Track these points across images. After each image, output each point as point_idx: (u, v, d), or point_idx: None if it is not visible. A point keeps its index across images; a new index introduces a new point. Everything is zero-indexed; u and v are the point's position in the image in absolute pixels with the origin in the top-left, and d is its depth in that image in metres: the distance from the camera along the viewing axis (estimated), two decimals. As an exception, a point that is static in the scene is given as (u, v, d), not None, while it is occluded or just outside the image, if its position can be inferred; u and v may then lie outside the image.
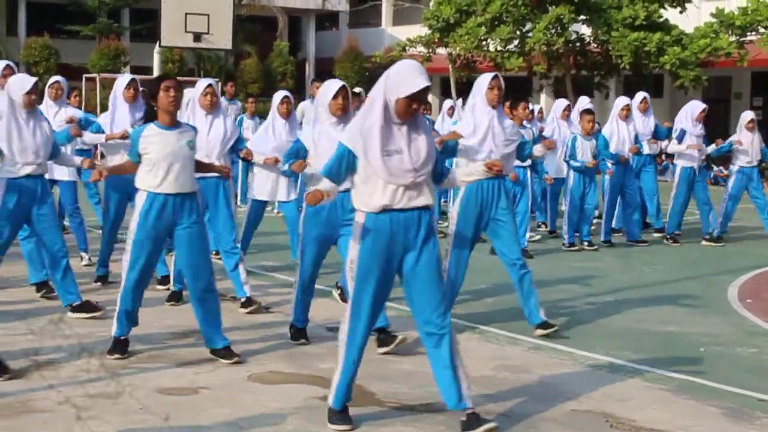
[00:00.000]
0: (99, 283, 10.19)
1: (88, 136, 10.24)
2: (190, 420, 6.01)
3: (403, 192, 5.66)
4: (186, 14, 26.46)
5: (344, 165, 5.71)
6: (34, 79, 8.52)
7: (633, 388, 6.93)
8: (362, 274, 5.79)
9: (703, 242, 14.70)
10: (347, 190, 6.07)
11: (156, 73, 27.65)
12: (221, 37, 27.36)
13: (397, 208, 5.68)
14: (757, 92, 33.23)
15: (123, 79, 10.37)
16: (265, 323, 8.70)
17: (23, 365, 6.98)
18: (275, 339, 8.11)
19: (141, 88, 10.30)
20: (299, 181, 12.72)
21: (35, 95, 8.48)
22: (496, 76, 8.44)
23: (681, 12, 28.90)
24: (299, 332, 8.05)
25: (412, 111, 5.61)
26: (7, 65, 9.55)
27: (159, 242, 7.39)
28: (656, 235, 15.02)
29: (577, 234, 13.85)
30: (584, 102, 15.72)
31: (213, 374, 7.02)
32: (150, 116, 7.39)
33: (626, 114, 14.24)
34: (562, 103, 15.00)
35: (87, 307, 8.71)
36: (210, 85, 9.29)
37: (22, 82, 8.45)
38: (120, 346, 7.45)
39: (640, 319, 9.25)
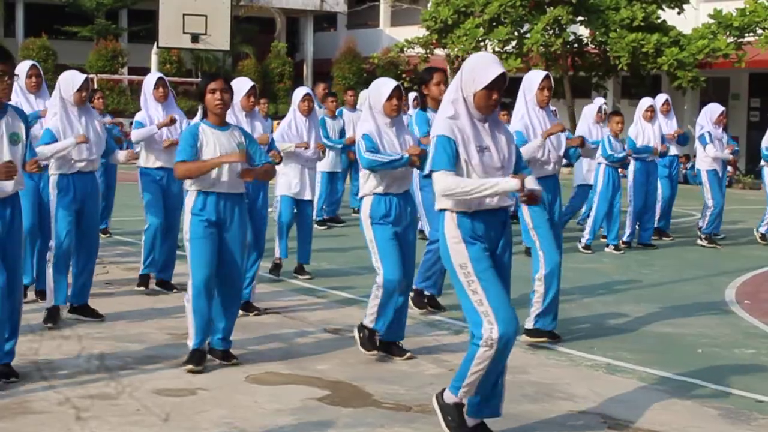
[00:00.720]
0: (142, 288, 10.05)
1: (136, 133, 9.90)
2: (187, 421, 6.01)
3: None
4: (184, 15, 26.48)
5: (454, 154, 5.41)
6: (84, 75, 8.46)
7: (630, 390, 6.93)
8: (481, 271, 5.49)
9: (699, 241, 14.69)
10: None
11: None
12: (219, 38, 27.39)
13: (488, 209, 5.53)
14: (755, 93, 33.19)
15: (151, 79, 10.23)
16: (262, 324, 8.69)
17: (23, 365, 6.97)
18: (272, 340, 8.10)
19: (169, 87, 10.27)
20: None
21: (86, 92, 8.46)
22: (547, 76, 8.23)
23: (679, 13, 28.90)
24: (371, 339, 7.63)
25: (493, 102, 5.47)
26: (33, 65, 9.51)
27: (215, 241, 7.13)
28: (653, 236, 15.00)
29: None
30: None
31: (210, 375, 7.01)
32: (202, 114, 7.33)
33: (651, 115, 14.12)
34: (594, 106, 14.71)
35: (88, 311, 8.68)
36: (254, 87, 9.14)
37: (72, 79, 8.40)
38: (198, 358, 7.17)
39: (637, 321, 9.25)
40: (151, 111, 9.98)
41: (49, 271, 8.48)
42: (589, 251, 13.58)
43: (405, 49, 32.00)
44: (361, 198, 7.59)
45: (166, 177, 9.81)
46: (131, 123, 15.86)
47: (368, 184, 7.48)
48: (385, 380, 6.99)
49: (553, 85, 8.26)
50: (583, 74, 31.07)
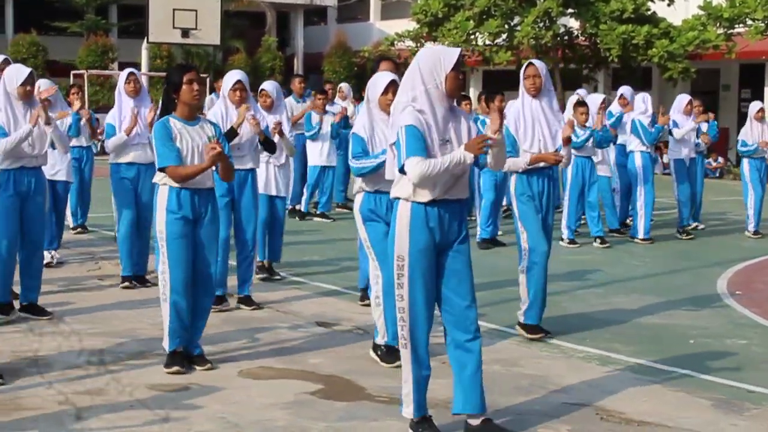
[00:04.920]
0: (130, 284, 9.84)
1: (110, 142, 9.83)
2: (181, 416, 6.01)
3: (450, 183, 5.49)
4: (174, 10, 26.39)
5: (424, 142, 5.41)
6: (28, 70, 8.30)
7: (623, 381, 6.95)
8: (414, 270, 5.53)
9: (677, 234, 14.57)
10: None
11: (144, 69, 27.64)
12: (209, 33, 27.31)
13: (445, 199, 5.51)
14: (745, 84, 33.25)
15: (123, 73, 10.12)
16: (254, 319, 8.69)
17: (23, 365, 6.93)
18: (265, 335, 8.10)
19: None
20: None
21: (30, 86, 8.30)
22: (530, 64, 8.06)
23: (669, 4, 28.90)
24: (390, 352, 7.18)
25: (461, 83, 5.52)
26: (5, 59, 9.43)
27: (191, 238, 6.98)
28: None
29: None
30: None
31: (204, 370, 7.00)
32: (166, 109, 7.09)
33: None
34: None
35: (37, 309, 8.50)
36: (239, 81, 8.94)
37: (17, 74, 8.26)
38: (180, 359, 7.00)
39: (629, 312, 9.26)
40: (124, 107, 9.90)
41: None
42: (575, 245, 13.44)
43: (395, 42, 31.95)
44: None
45: (138, 172, 9.80)
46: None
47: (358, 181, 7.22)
48: (378, 374, 7.00)
49: (539, 72, 7.96)
50: (573, 66, 31.06)
